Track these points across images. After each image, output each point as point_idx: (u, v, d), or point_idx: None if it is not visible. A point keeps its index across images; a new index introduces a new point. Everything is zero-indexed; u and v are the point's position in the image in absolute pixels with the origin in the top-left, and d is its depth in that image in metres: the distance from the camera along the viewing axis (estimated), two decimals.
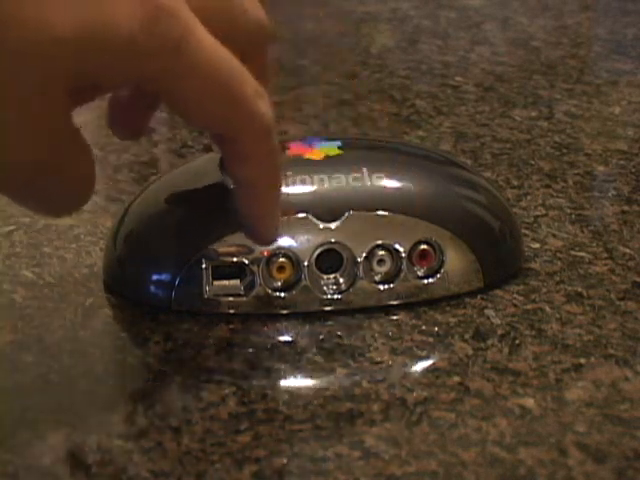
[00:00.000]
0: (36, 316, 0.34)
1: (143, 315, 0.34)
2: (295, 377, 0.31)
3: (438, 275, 0.34)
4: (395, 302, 0.34)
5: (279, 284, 0.33)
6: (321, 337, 0.33)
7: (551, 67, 0.62)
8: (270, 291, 0.33)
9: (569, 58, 0.64)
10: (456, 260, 0.34)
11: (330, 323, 0.33)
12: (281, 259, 0.33)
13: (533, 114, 0.54)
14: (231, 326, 0.33)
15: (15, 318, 0.34)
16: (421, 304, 0.34)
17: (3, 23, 0.25)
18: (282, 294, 0.33)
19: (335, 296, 0.34)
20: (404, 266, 0.34)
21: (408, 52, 0.66)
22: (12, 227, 0.40)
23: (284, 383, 0.31)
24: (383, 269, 0.34)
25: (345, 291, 0.34)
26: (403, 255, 0.34)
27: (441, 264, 0.34)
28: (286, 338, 0.33)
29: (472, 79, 0.60)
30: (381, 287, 0.34)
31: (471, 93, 0.57)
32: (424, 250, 0.34)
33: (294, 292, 0.33)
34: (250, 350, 0.32)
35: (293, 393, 0.30)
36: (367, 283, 0.34)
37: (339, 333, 0.33)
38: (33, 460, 0.27)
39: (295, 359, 0.32)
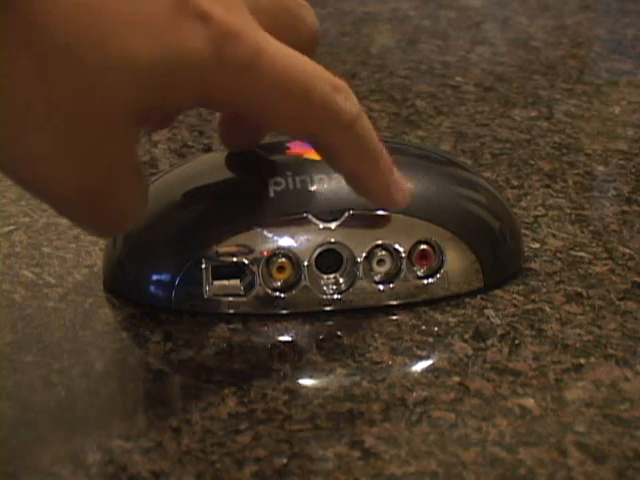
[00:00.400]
0: (36, 316, 0.34)
1: (143, 315, 0.34)
2: (295, 377, 0.31)
3: (438, 275, 0.34)
4: (395, 302, 0.34)
5: (279, 284, 0.33)
6: (321, 337, 0.33)
7: (551, 67, 0.62)
8: (270, 291, 0.33)
9: (569, 58, 0.64)
10: (456, 260, 0.34)
11: (330, 323, 0.33)
12: (281, 259, 0.33)
13: (533, 114, 0.54)
14: (231, 326, 0.33)
15: (15, 318, 0.34)
16: (421, 304, 0.34)
17: (85, 49, 0.25)
18: (282, 294, 0.33)
19: (335, 296, 0.34)
20: (404, 266, 0.34)
21: (408, 52, 0.66)
22: (12, 227, 0.40)
23: (284, 383, 0.31)
24: (383, 269, 0.34)
25: (345, 291, 0.34)
26: (403, 255, 0.34)
27: (441, 264, 0.34)
28: (286, 338, 0.33)
29: (472, 79, 0.60)
30: (381, 287, 0.34)
31: (471, 93, 0.57)
32: (424, 250, 0.34)
33: (294, 292, 0.33)
34: (250, 350, 0.32)
35: (293, 393, 0.30)
36: (367, 283, 0.34)
37: (339, 333, 0.33)
38: (33, 460, 0.27)
39: (295, 359, 0.32)
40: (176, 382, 0.31)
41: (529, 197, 0.43)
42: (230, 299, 0.33)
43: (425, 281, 0.34)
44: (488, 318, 0.34)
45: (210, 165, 0.37)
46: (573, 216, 0.41)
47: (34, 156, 0.26)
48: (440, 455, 0.27)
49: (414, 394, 0.30)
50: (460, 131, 0.51)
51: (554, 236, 0.39)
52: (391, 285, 0.34)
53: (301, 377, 0.31)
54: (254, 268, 0.33)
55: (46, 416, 0.29)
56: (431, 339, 0.33)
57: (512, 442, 0.28)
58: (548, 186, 0.44)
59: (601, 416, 0.29)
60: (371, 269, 0.34)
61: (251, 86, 0.28)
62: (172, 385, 0.30)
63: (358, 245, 0.34)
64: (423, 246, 0.34)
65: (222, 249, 0.33)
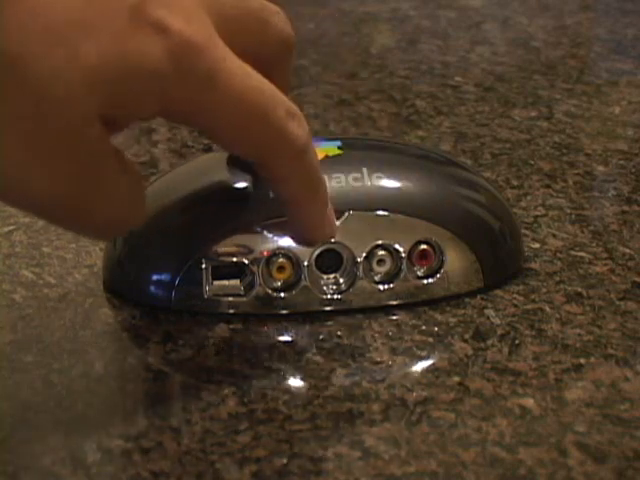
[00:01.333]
0: (36, 316, 0.34)
1: (143, 315, 0.34)
2: (295, 377, 0.31)
3: (438, 275, 0.34)
4: (395, 302, 0.34)
5: (279, 284, 0.33)
6: (321, 337, 0.33)
7: (551, 67, 0.62)
8: (270, 291, 0.33)
9: (569, 58, 0.64)
10: (456, 260, 0.34)
11: (330, 323, 0.33)
12: (281, 259, 0.33)
13: (533, 114, 0.54)
14: (231, 326, 0.33)
15: (15, 318, 0.34)
16: (421, 304, 0.34)
17: (33, 58, 0.25)
18: (282, 294, 0.33)
19: (335, 296, 0.34)
20: (404, 266, 0.34)
21: (408, 52, 0.66)
22: (12, 227, 0.40)
23: (284, 383, 0.31)
24: (383, 269, 0.34)
25: (345, 291, 0.34)
26: (403, 255, 0.34)
27: (441, 264, 0.34)
28: (286, 338, 0.33)
29: (472, 79, 0.60)
30: (381, 287, 0.34)
31: (471, 93, 0.57)
32: (424, 250, 0.34)
33: (294, 292, 0.33)
34: (250, 350, 0.32)
35: (293, 393, 0.30)
36: (367, 283, 0.34)
37: (339, 333, 0.33)
38: (33, 460, 0.27)
39: (295, 359, 0.32)
40: (176, 382, 0.31)
41: (529, 197, 0.43)
42: (230, 299, 0.33)
43: (425, 281, 0.34)
44: (488, 318, 0.34)
45: (210, 165, 0.37)
46: (573, 216, 0.41)
47: (4, 165, 0.26)
48: (440, 455, 0.27)
49: (414, 394, 0.30)
50: (460, 131, 0.51)
51: (554, 236, 0.39)
52: (391, 285, 0.34)
53: (301, 377, 0.31)
54: (254, 268, 0.33)
55: (46, 416, 0.29)
56: (431, 339, 0.33)
57: (512, 442, 0.28)
58: (548, 186, 0.44)
59: (601, 416, 0.29)
60: (371, 269, 0.34)
61: (208, 102, 0.27)
62: (172, 385, 0.30)
63: (358, 245, 0.34)
64: (423, 246, 0.34)
65: (222, 249, 0.33)
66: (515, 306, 0.34)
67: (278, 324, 0.33)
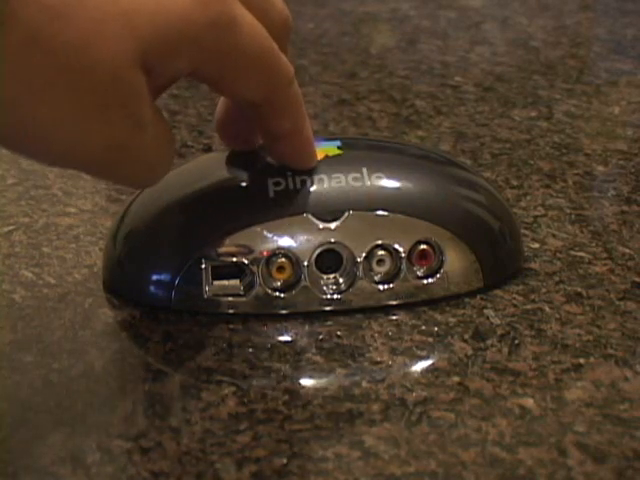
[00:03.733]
0: (36, 316, 0.34)
1: (143, 315, 0.34)
2: (295, 377, 0.31)
3: (438, 275, 0.34)
4: (395, 302, 0.34)
5: (279, 284, 0.34)
6: (321, 337, 0.33)
7: (551, 67, 0.62)
8: (270, 291, 0.33)
9: (569, 58, 0.64)
10: (456, 260, 0.34)
11: (330, 323, 0.33)
12: (281, 259, 0.33)
13: (533, 114, 0.54)
14: (231, 326, 0.33)
15: (15, 318, 0.34)
16: (421, 304, 0.34)
17: (71, 5, 0.26)
18: (282, 294, 0.33)
19: (335, 296, 0.34)
20: (404, 266, 0.34)
21: (408, 52, 0.66)
22: (12, 227, 0.40)
23: (284, 383, 0.31)
24: (383, 269, 0.34)
25: (345, 291, 0.34)
26: (403, 255, 0.34)
27: (441, 264, 0.34)
28: (286, 338, 0.33)
29: (472, 79, 0.60)
30: (381, 287, 0.34)
31: (471, 93, 0.57)
32: (424, 250, 0.34)
33: (294, 292, 0.33)
34: (250, 350, 0.32)
35: (293, 393, 0.30)
36: (367, 283, 0.34)
37: (339, 333, 0.33)
38: (33, 460, 0.27)
39: (295, 359, 0.32)
40: (176, 382, 0.31)
41: (529, 197, 0.43)
42: (230, 299, 0.33)
43: (425, 281, 0.34)
44: (488, 318, 0.34)
45: (210, 165, 0.37)
46: (573, 216, 0.41)
47: (57, 123, 0.27)
48: (440, 455, 0.27)
49: (414, 394, 0.30)
50: (460, 131, 0.51)
51: (554, 236, 0.39)
52: (391, 285, 0.34)
53: (301, 377, 0.31)
54: (254, 268, 0.33)
55: (46, 416, 0.29)
56: (431, 339, 0.33)
57: (512, 442, 0.28)
58: (548, 186, 0.44)
59: (601, 416, 0.29)
60: (371, 269, 0.34)
61: (232, 45, 0.29)
62: (172, 385, 0.30)
63: (358, 245, 0.34)
64: (423, 246, 0.34)
65: (222, 249, 0.33)
66: (515, 306, 0.34)
67: (278, 324, 0.33)
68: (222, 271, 0.33)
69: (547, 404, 0.29)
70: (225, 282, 0.33)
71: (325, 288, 0.34)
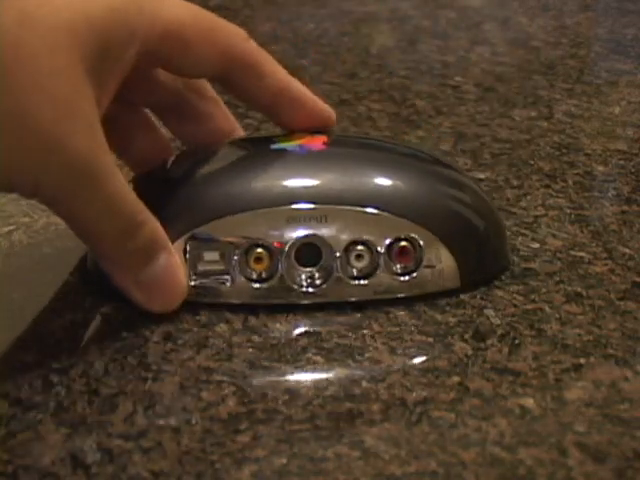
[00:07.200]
0: (36, 316, 0.34)
1: (143, 315, 0.34)
2: (295, 377, 0.31)
3: (414, 274, 0.34)
4: (370, 298, 0.34)
5: (255, 275, 0.34)
6: (321, 337, 0.33)
7: (551, 67, 0.62)
8: (246, 281, 0.33)
9: (569, 58, 0.64)
10: (434, 259, 0.34)
11: (330, 323, 0.33)
12: (259, 250, 0.33)
13: (533, 114, 0.54)
14: (231, 326, 0.33)
15: (15, 318, 0.34)
16: (421, 304, 0.34)
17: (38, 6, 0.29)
18: (258, 285, 0.34)
19: (310, 289, 0.34)
20: (382, 262, 0.34)
21: (408, 52, 0.66)
22: (12, 227, 0.40)
23: (284, 383, 0.31)
24: (361, 264, 0.34)
25: (320, 285, 0.34)
26: (381, 251, 0.34)
27: (419, 262, 0.34)
28: (286, 338, 0.33)
29: (472, 79, 0.60)
30: (357, 282, 0.34)
31: (471, 93, 0.57)
32: (403, 247, 0.34)
33: (270, 283, 0.34)
34: (250, 350, 0.32)
35: (293, 393, 0.30)
36: (343, 277, 0.34)
37: (339, 333, 0.33)
38: (33, 460, 0.27)
39: (295, 359, 0.32)
40: (176, 382, 0.31)
41: (529, 197, 0.43)
42: (212, 287, 0.34)
43: (401, 278, 0.34)
44: (488, 318, 0.34)
45: (192, 157, 0.37)
46: (573, 216, 0.41)
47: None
48: (440, 455, 0.27)
49: (414, 394, 0.30)
50: (460, 131, 0.51)
51: (554, 236, 0.39)
52: (367, 281, 0.34)
53: (301, 377, 0.31)
54: (232, 258, 0.33)
55: (46, 416, 0.29)
56: (431, 339, 0.33)
57: (512, 442, 0.28)
58: (548, 186, 0.44)
59: (601, 416, 0.29)
60: (349, 263, 0.34)
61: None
62: (172, 385, 0.30)
63: (337, 240, 0.34)
64: (402, 243, 0.34)
65: (204, 237, 0.33)
66: (515, 306, 0.34)
67: (278, 324, 0.33)
68: (204, 259, 0.33)
69: (547, 404, 0.29)
70: (208, 268, 0.34)
71: (301, 280, 0.34)
